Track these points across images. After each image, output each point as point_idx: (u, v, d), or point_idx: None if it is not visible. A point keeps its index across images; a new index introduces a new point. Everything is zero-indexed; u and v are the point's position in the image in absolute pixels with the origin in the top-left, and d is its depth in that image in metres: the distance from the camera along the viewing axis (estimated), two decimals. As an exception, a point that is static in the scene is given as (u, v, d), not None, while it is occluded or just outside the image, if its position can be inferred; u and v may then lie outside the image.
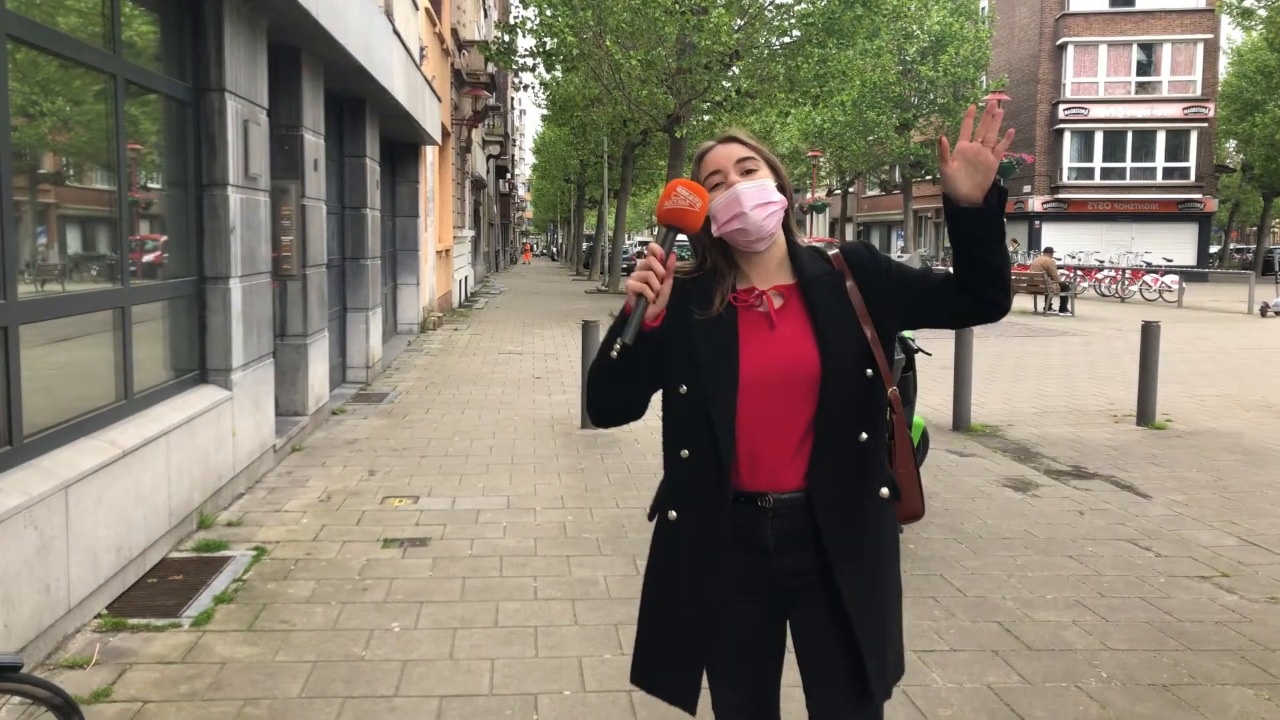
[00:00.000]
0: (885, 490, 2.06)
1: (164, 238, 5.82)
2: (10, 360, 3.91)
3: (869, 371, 2.03)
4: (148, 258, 5.62)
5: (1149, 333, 9.06)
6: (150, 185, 5.72)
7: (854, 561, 2.01)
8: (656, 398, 2.15)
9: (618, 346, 1.93)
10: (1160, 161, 41.15)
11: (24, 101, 4.24)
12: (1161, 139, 41.02)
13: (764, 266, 2.09)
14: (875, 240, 57.13)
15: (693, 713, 2.12)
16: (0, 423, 3.90)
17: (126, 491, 4.64)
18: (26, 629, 3.72)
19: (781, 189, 2.08)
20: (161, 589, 4.68)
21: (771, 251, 2.09)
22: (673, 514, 2.08)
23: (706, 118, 21.40)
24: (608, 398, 2.12)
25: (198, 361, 6.07)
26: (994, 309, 2.01)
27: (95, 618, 4.28)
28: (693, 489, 2.06)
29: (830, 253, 2.13)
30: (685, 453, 2.06)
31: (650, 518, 2.18)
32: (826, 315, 2.02)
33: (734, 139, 2.10)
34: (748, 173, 2.05)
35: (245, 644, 4.07)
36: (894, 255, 35.99)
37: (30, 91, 4.32)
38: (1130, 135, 41.10)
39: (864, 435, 2.03)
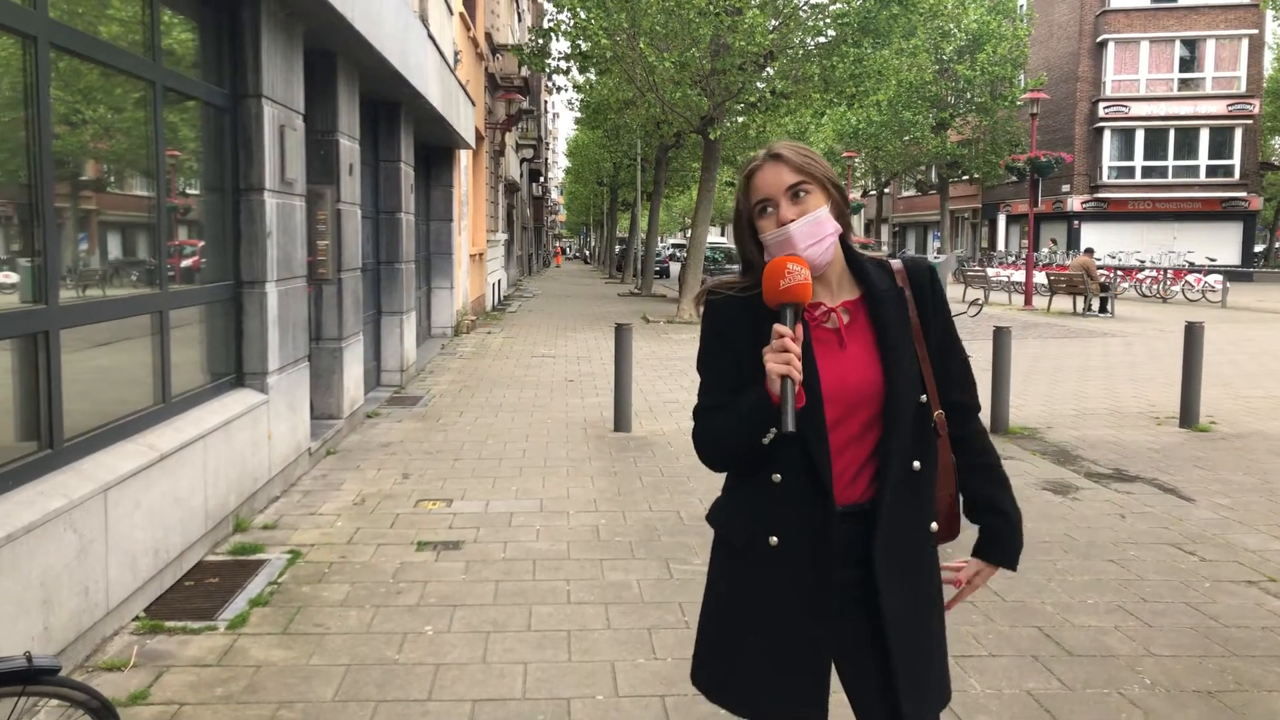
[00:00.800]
0: (935, 525, 2.05)
1: (201, 243, 5.89)
2: (51, 364, 3.96)
3: (923, 397, 2.01)
4: (185, 262, 5.69)
5: (1192, 333, 8.89)
6: (188, 191, 5.79)
7: (898, 589, 1.99)
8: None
9: (773, 434, 1.93)
10: (1204, 159, 40.46)
11: (66, 109, 4.30)
12: (1205, 136, 40.34)
13: (826, 281, 2.04)
14: (911, 242, 56.72)
15: None
16: (41, 426, 3.95)
17: (164, 494, 4.69)
18: (66, 631, 3.76)
19: (836, 204, 2.02)
20: (198, 592, 4.72)
21: (832, 266, 2.03)
22: (774, 540, 2.00)
23: (741, 119, 21.32)
24: (735, 456, 2.09)
25: (234, 365, 6.13)
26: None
27: (133, 620, 4.33)
28: (794, 512, 1.99)
29: (894, 265, 2.08)
30: (778, 477, 1.99)
31: (723, 546, 2.12)
32: (892, 334, 2.00)
33: (781, 158, 2.00)
34: (798, 196, 1.98)
35: (280, 647, 4.09)
36: (930, 256, 35.55)
37: (72, 99, 4.38)
38: (1172, 133, 40.46)
39: (917, 464, 2.00)
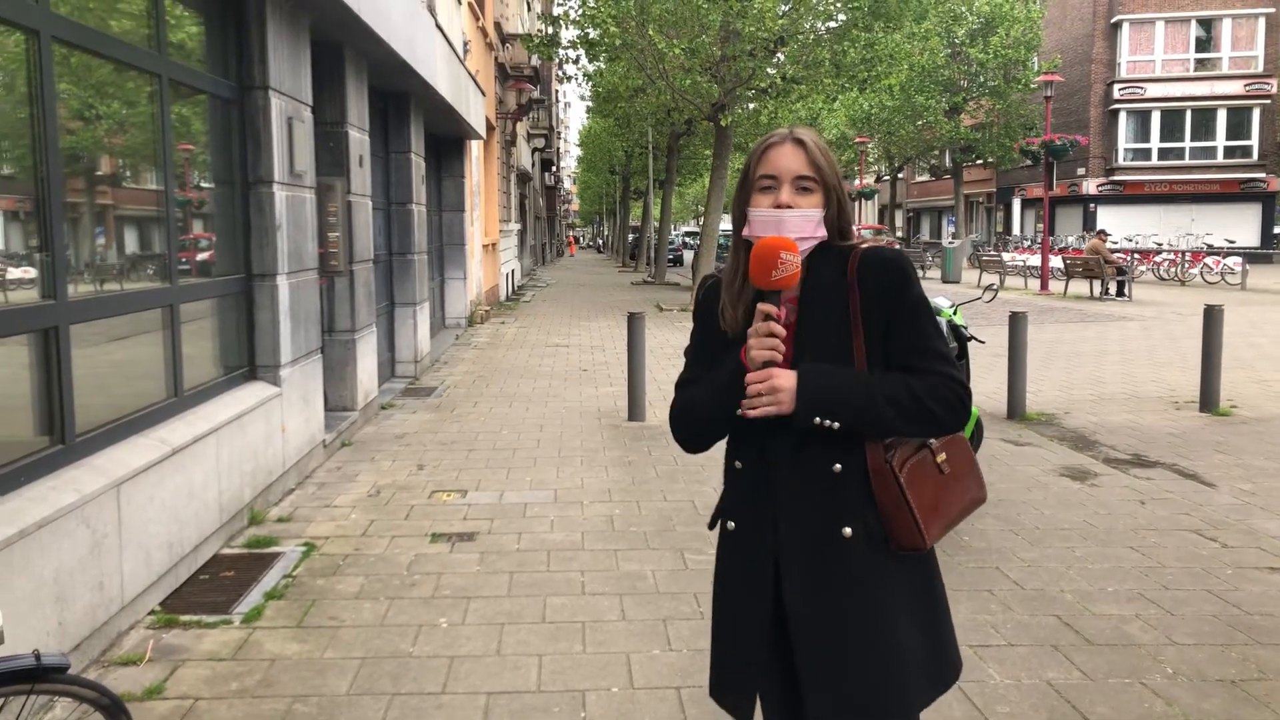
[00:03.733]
0: (848, 530, 1.94)
1: (211, 236, 5.87)
2: (61, 360, 3.95)
3: None
4: (196, 256, 5.67)
5: (1212, 316, 8.78)
6: (198, 185, 5.77)
7: (803, 587, 1.95)
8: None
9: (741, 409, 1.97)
10: (1221, 140, 40.00)
11: (72, 104, 4.28)
12: (1222, 117, 39.88)
13: None
14: (925, 227, 56.38)
15: None
16: (53, 422, 3.94)
17: (178, 488, 4.68)
18: (80, 626, 3.76)
19: (830, 214, 2.00)
20: (213, 585, 4.71)
21: None
22: (730, 524, 2.08)
23: (752, 105, 21.18)
24: (708, 431, 2.11)
25: (246, 358, 6.12)
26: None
27: (148, 614, 4.33)
28: (745, 499, 2.06)
29: (855, 251, 1.99)
30: (739, 464, 2.07)
31: (710, 527, 2.18)
32: (810, 330, 1.97)
33: (802, 144, 1.98)
34: (802, 190, 1.97)
35: (295, 641, 4.08)
36: (944, 242, 35.29)
37: (78, 94, 4.36)
38: (1189, 114, 40.01)
39: (837, 466, 1.95)
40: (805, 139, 1.99)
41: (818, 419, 1.90)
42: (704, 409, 2.06)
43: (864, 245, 2.01)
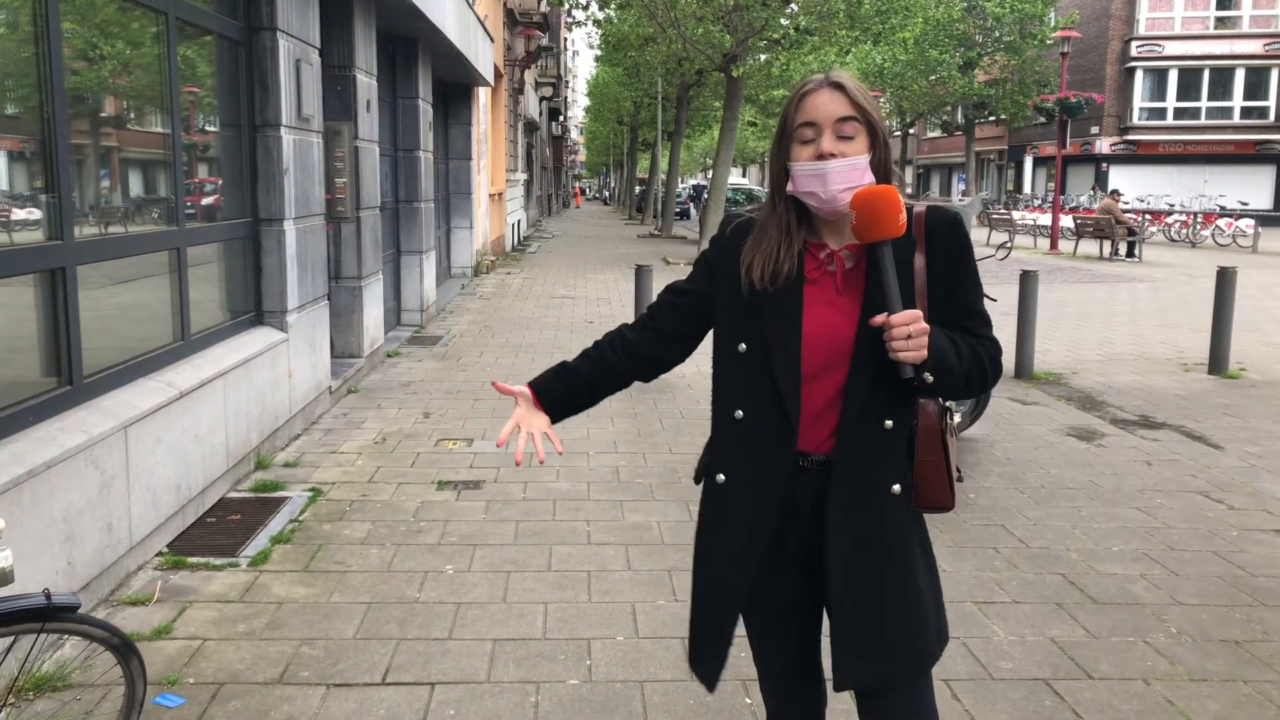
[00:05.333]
0: (897, 487, 1.93)
1: (218, 180, 5.82)
2: (68, 301, 3.93)
3: None
4: (202, 200, 5.62)
5: (1224, 278, 8.71)
6: (205, 128, 5.70)
7: (849, 541, 1.92)
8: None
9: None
10: (1238, 101, 39.44)
11: (80, 43, 4.21)
12: (1240, 77, 39.30)
13: (838, 227, 1.94)
14: (935, 184, 55.93)
15: (711, 690, 2.11)
16: (60, 362, 3.93)
17: (185, 432, 4.68)
18: (89, 566, 3.78)
19: (878, 155, 1.91)
20: (220, 528, 4.73)
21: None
22: (720, 477, 2.00)
23: (764, 57, 20.90)
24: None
25: (253, 303, 6.10)
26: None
27: (156, 556, 4.35)
28: (747, 451, 1.97)
29: (916, 211, 1.95)
30: (740, 414, 1.97)
31: (697, 481, 2.11)
32: (875, 293, 1.88)
33: (841, 87, 1.89)
34: (844, 136, 1.87)
35: (301, 584, 4.11)
36: (955, 199, 34.97)
37: (84, 32, 4.29)
38: (1207, 73, 39.43)
39: (889, 423, 1.91)
40: (843, 81, 1.91)
41: (927, 374, 1.84)
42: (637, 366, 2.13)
43: (924, 203, 1.97)
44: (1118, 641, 3.67)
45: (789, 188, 1.93)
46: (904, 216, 1.82)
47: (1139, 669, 3.46)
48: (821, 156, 1.86)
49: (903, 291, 1.87)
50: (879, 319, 1.81)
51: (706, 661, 2.07)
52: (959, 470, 2.00)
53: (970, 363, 1.91)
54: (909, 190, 49.86)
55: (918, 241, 1.93)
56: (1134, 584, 4.21)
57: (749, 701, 3.21)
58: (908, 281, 1.91)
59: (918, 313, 1.80)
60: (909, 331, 1.78)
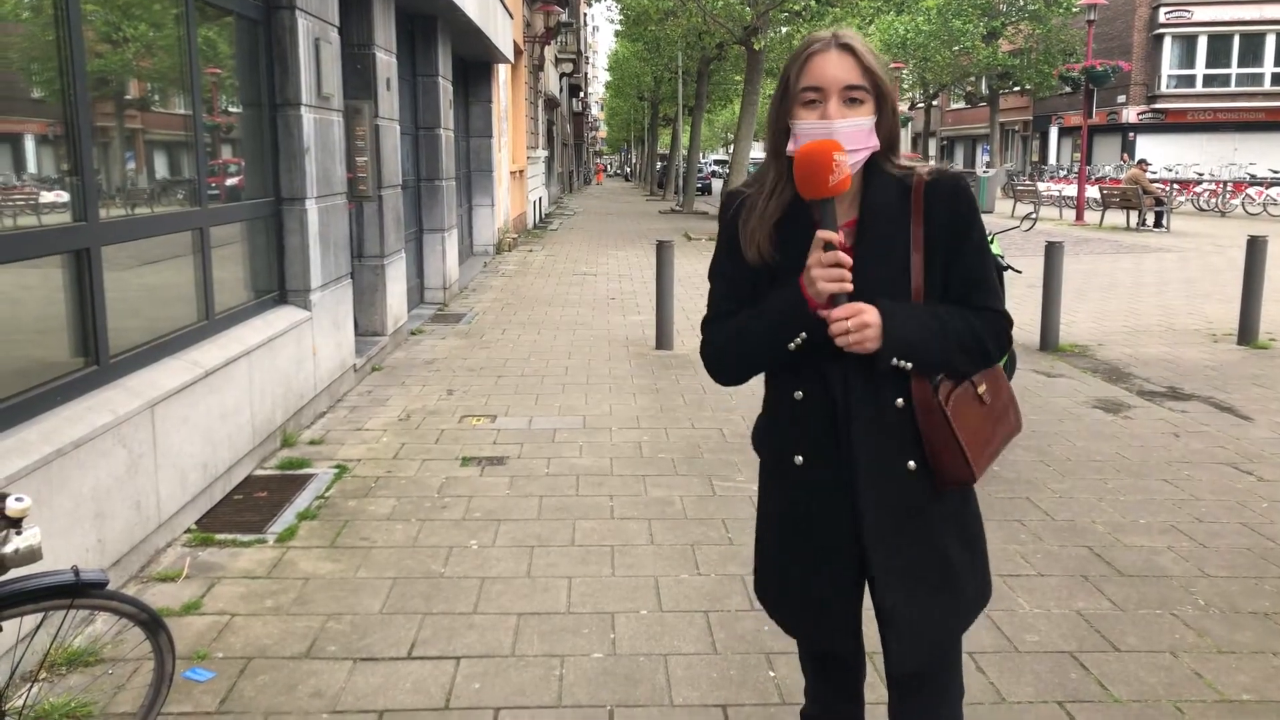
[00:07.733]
0: (912, 464, 1.90)
1: (240, 160, 5.83)
2: (94, 281, 3.96)
3: None
4: (225, 180, 5.64)
5: (1255, 247, 8.58)
6: (226, 108, 5.72)
7: (886, 529, 1.91)
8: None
9: (802, 338, 1.85)
10: (1269, 67, 38.68)
11: (102, 25, 4.22)
12: (1271, 43, 38.52)
13: (840, 201, 1.86)
14: (959, 156, 55.33)
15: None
16: (87, 343, 3.97)
17: (211, 410, 4.73)
18: (119, 544, 3.83)
19: (885, 121, 1.85)
20: (247, 505, 4.78)
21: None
22: (799, 459, 1.97)
23: (785, 29, 20.72)
24: (758, 364, 2.01)
25: (277, 283, 6.13)
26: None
27: (185, 533, 4.40)
28: (817, 430, 1.94)
29: (916, 177, 1.88)
30: (799, 394, 1.94)
31: (764, 467, 2.10)
32: (871, 258, 1.84)
33: (850, 49, 1.81)
34: (852, 102, 1.80)
35: (328, 560, 4.14)
36: (979, 171, 34.67)
37: (105, 14, 4.30)
38: (1237, 39, 38.68)
39: (899, 401, 1.88)
40: (853, 43, 1.82)
41: (896, 360, 1.81)
42: (755, 341, 1.93)
43: (926, 169, 1.90)
44: (1144, 614, 3.65)
45: (789, 147, 1.85)
46: (836, 178, 1.74)
47: (1167, 641, 3.44)
48: (826, 119, 1.80)
49: (899, 262, 1.85)
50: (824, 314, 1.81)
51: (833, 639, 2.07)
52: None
53: (956, 340, 1.86)
54: (931, 161, 49.41)
55: (917, 211, 1.87)
56: (1161, 556, 4.17)
57: (772, 675, 3.21)
58: (905, 250, 1.86)
59: (859, 305, 1.78)
60: (846, 326, 1.77)
